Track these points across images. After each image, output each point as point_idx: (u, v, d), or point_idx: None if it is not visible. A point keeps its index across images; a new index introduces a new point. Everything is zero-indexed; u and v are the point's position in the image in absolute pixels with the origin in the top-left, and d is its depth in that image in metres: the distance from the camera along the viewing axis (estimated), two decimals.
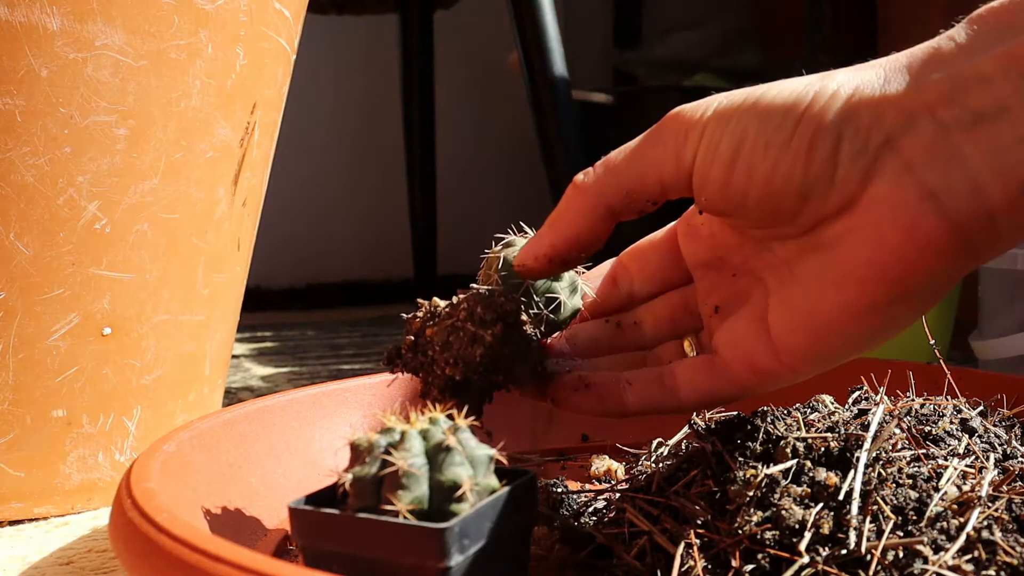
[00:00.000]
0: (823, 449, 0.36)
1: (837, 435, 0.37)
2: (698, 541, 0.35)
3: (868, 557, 0.31)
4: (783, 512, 0.33)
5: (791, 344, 0.36)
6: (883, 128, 0.31)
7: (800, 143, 0.32)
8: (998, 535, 0.32)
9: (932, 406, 0.42)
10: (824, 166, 0.32)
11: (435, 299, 0.40)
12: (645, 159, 0.36)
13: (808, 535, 0.32)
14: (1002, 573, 0.31)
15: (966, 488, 0.34)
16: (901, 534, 0.32)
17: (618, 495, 0.43)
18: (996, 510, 0.33)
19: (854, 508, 0.33)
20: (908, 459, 0.36)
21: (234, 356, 1.23)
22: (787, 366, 0.36)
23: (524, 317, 0.39)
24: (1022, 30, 0.29)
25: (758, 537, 0.33)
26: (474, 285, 0.41)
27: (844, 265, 0.33)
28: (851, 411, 0.41)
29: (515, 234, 0.42)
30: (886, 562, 0.31)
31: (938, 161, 0.30)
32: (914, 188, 0.30)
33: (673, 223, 0.43)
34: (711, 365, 0.39)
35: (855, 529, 0.32)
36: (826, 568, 0.31)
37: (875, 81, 0.31)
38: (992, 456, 0.37)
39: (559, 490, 0.46)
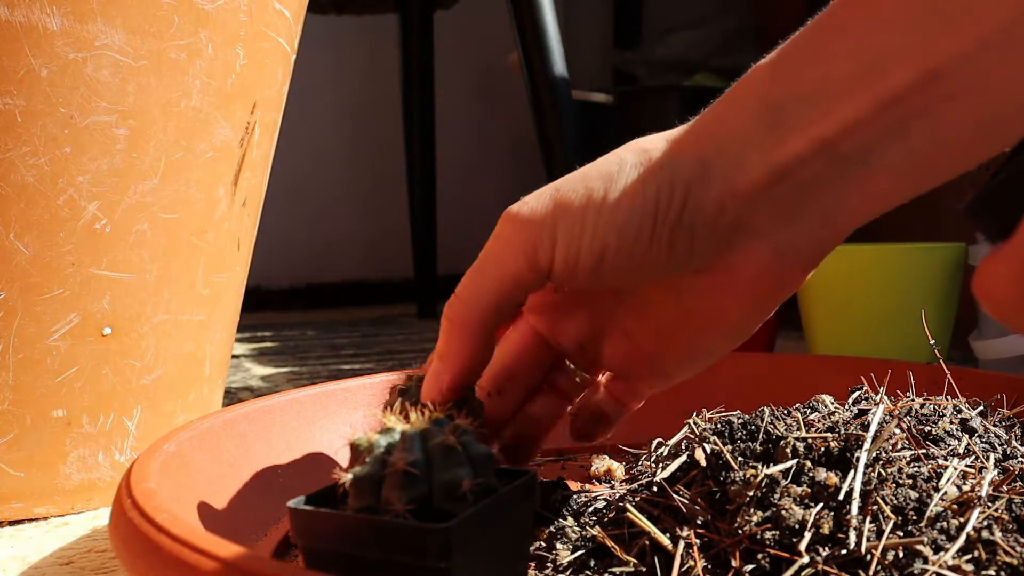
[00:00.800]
0: (823, 449, 0.36)
1: (837, 435, 0.37)
2: (698, 541, 0.35)
3: (868, 557, 0.31)
4: (783, 512, 0.33)
5: (664, 362, 0.41)
6: (729, 213, 0.35)
7: (660, 245, 0.35)
8: (998, 535, 0.32)
9: (932, 406, 0.42)
10: (683, 253, 0.36)
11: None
12: (500, 276, 0.37)
13: (808, 535, 0.32)
14: (1002, 573, 0.31)
15: (966, 488, 0.34)
16: (901, 534, 0.32)
17: (618, 495, 0.43)
18: (996, 510, 0.33)
19: (854, 508, 0.33)
20: (908, 459, 0.36)
21: (234, 356, 1.23)
22: (667, 375, 0.42)
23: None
24: (816, 103, 0.33)
25: (758, 537, 0.33)
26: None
27: (708, 314, 0.38)
28: (851, 411, 0.41)
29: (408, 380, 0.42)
30: (886, 562, 0.31)
31: (782, 225, 0.35)
32: (767, 250, 0.36)
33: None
34: (619, 387, 0.44)
35: (855, 529, 0.32)
36: (826, 568, 0.31)
37: (711, 174, 0.35)
38: (992, 456, 0.37)
39: (559, 490, 0.46)
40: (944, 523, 0.32)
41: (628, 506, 0.39)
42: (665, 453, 0.47)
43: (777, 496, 0.34)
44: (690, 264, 0.36)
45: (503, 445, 0.44)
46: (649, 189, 0.35)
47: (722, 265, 0.36)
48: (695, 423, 0.42)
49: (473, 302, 0.38)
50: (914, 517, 0.33)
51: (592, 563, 0.38)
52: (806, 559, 0.32)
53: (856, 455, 0.35)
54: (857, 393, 0.45)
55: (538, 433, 0.45)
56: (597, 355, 0.43)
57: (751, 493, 0.35)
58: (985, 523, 0.32)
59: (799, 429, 0.38)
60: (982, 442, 0.39)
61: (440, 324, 0.40)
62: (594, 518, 0.42)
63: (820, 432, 0.37)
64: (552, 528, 0.41)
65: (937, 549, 0.32)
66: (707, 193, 0.35)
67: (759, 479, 0.35)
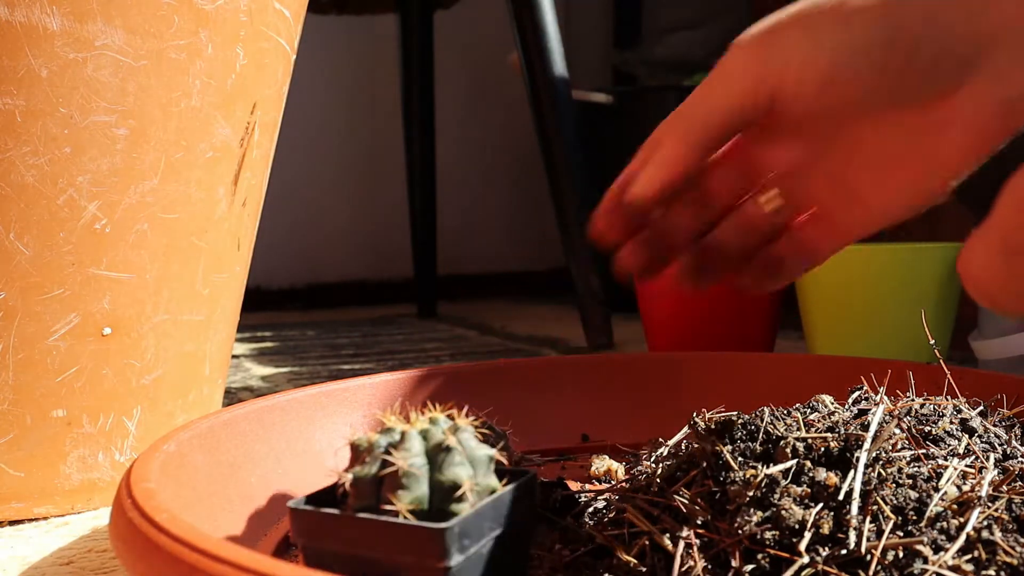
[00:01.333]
0: (823, 449, 0.36)
1: (837, 435, 0.37)
2: (698, 541, 0.35)
3: (868, 557, 0.31)
4: (783, 512, 0.33)
5: (874, 202, 0.40)
6: (968, 46, 0.34)
7: (889, 74, 0.35)
8: (998, 535, 0.32)
9: (932, 406, 0.42)
10: (913, 85, 0.35)
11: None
12: (726, 95, 0.38)
13: (808, 535, 0.32)
14: (1002, 573, 0.31)
15: (966, 488, 0.34)
16: (901, 534, 0.32)
17: (618, 495, 0.43)
18: (996, 510, 0.33)
19: (854, 508, 0.33)
20: (908, 459, 0.36)
21: (234, 356, 1.23)
22: (875, 216, 0.41)
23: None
24: None
25: (758, 537, 0.33)
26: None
27: (926, 154, 0.37)
28: (851, 411, 0.41)
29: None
30: (886, 562, 0.31)
31: (1016, 68, 0.34)
32: (995, 91, 0.34)
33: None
34: (814, 232, 0.43)
35: (855, 529, 0.32)
36: (826, 568, 0.31)
37: (952, 5, 0.34)
38: (992, 456, 0.37)
39: (559, 490, 0.46)
40: (944, 523, 0.32)
41: (628, 506, 0.39)
42: (665, 453, 0.47)
43: (777, 496, 0.34)
44: (917, 97, 0.36)
45: (682, 268, 0.44)
46: (889, 16, 0.35)
47: (947, 103, 0.36)
48: (695, 423, 0.42)
49: (696, 117, 0.38)
50: (914, 517, 0.33)
51: (592, 563, 0.38)
52: (806, 559, 0.32)
53: (856, 455, 0.35)
54: (857, 393, 0.45)
55: (721, 261, 0.44)
56: (802, 190, 0.42)
57: (751, 493, 0.35)
58: (985, 523, 0.32)
59: (799, 429, 0.38)
60: (982, 442, 0.39)
61: (648, 144, 0.39)
62: (594, 518, 0.42)
63: (820, 432, 0.37)
64: (552, 528, 0.41)
65: (937, 549, 0.32)
66: (950, 24, 0.34)
67: (759, 479, 0.35)
